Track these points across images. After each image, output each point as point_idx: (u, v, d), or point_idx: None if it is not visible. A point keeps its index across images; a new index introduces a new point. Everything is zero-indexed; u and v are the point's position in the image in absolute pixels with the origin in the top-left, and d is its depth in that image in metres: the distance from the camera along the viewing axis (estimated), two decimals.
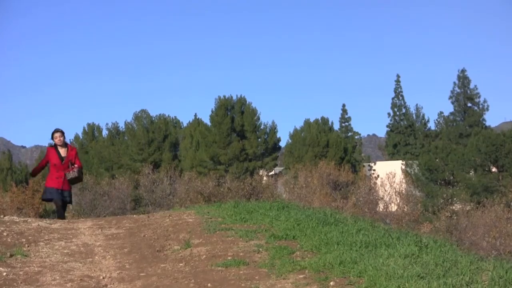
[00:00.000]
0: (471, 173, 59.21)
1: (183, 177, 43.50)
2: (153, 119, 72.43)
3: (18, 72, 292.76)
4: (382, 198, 41.06)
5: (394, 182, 43.04)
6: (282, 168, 69.63)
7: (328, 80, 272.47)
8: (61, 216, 15.08)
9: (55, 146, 15.16)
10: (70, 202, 15.63)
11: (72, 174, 15.13)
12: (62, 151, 15.11)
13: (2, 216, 11.96)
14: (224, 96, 69.14)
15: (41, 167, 15.48)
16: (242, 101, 68.42)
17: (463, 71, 78.42)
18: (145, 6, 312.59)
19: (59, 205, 15.04)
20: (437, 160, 60.29)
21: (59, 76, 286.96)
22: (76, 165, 15.24)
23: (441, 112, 79.58)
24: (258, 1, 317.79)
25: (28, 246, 8.53)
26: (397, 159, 75.27)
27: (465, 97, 77.17)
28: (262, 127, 70.17)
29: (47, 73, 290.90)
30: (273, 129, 71.27)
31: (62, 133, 15.18)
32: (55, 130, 15.26)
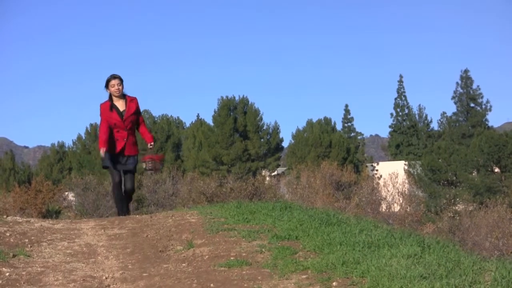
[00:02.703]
0: (474, 174, 59.26)
1: (186, 177, 43.53)
2: (155, 119, 72.61)
3: (21, 72, 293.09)
4: (384, 199, 41.04)
5: (397, 182, 43.02)
6: (284, 168, 69.70)
7: (331, 80, 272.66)
8: (119, 199, 12.34)
9: (110, 99, 12.05)
10: (134, 171, 12.38)
11: (150, 164, 12.66)
12: (120, 104, 12.05)
13: (5, 216, 11.97)
14: (227, 97, 69.25)
15: (107, 132, 11.96)
16: (244, 101, 68.51)
17: (466, 71, 78.50)
18: (148, 5, 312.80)
19: (116, 181, 12.14)
20: (440, 160, 60.34)
21: (62, 76, 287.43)
22: (156, 156, 12.84)
23: (444, 113, 79.76)
24: (261, 1, 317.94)
25: (30, 247, 8.54)
26: (400, 160, 75.35)
27: (468, 97, 77.21)
28: (264, 127, 70.27)
29: (49, 73, 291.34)
30: (276, 130, 71.35)
31: (121, 80, 12.02)
32: (111, 76, 12.05)
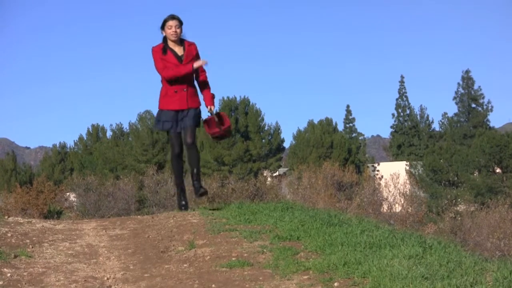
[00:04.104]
0: (475, 174, 59.37)
1: (187, 178, 43.51)
2: None
3: (22, 73, 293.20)
4: (386, 199, 41.07)
5: (398, 183, 43.07)
6: (286, 169, 69.77)
7: (332, 81, 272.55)
8: (180, 173, 10.89)
9: (164, 42, 10.26)
10: (197, 124, 10.37)
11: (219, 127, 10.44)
12: (177, 49, 10.21)
13: (6, 217, 11.96)
14: (228, 97, 69.34)
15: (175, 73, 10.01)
16: (246, 102, 68.59)
17: (467, 71, 78.71)
18: (148, 5, 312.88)
19: (175, 152, 10.53)
20: (441, 161, 60.44)
21: (64, 77, 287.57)
22: (222, 122, 10.48)
23: (445, 113, 79.94)
24: (263, 3, 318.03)
25: (32, 247, 8.54)
26: (401, 160, 75.44)
27: (469, 98, 77.34)
28: (266, 128, 70.35)
29: (51, 74, 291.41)
30: (277, 130, 71.43)
31: (180, 22, 10.22)
32: (169, 16, 10.26)
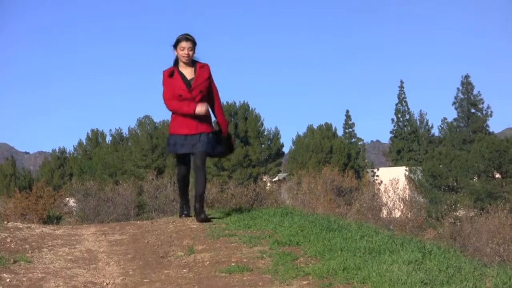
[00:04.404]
0: (474, 179, 59.37)
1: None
2: (156, 125, 72.66)
3: (21, 77, 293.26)
4: (385, 204, 41.09)
5: (398, 188, 43.09)
6: (285, 174, 69.80)
7: (332, 86, 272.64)
8: (184, 194, 10.37)
9: (175, 65, 9.79)
10: (209, 151, 9.98)
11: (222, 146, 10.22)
12: (188, 72, 9.71)
13: (5, 222, 11.96)
14: (228, 102, 69.35)
15: (174, 97, 9.67)
16: (245, 107, 68.63)
17: (466, 77, 78.79)
18: (147, 11, 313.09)
19: (181, 174, 10.17)
20: (440, 166, 60.46)
21: (63, 81, 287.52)
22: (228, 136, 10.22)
23: (445, 118, 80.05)
24: (261, 6, 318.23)
25: (31, 252, 8.54)
26: (401, 165, 75.46)
27: (469, 103, 77.42)
28: (265, 133, 70.40)
29: (50, 79, 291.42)
30: (277, 135, 71.48)
31: (194, 44, 9.71)
32: (183, 36, 9.73)
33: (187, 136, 9.72)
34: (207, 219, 9.85)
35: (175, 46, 9.73)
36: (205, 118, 9.75)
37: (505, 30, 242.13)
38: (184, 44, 9.63)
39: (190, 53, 9.64)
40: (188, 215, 10.39)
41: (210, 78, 9.82)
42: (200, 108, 9.58)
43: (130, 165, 68.25)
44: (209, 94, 9.87)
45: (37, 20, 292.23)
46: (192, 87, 9.61)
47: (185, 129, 9.71)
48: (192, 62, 9.74)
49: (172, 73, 9.67)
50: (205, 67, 9.77)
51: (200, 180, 9.95)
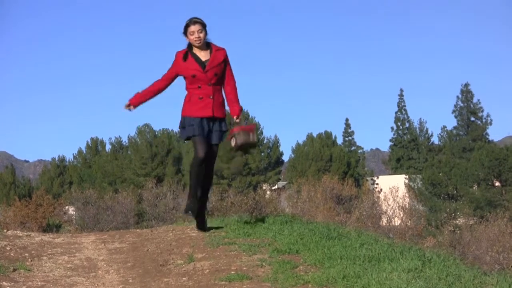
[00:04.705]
0: (474, 188, 59.34)
1: (187, 191, 43.50)
2: (156, 133, 72.65)
3: (20, 85, 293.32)
4: (385, 212, 41.11)
5: (397, 196, 43.10)
6: (285, 182, 69.75)
7: (331, 94, 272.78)
8: (199, 181, 9.28)
9: (189, 48, 9.27)
10: (221, 140, 9.37)
11: (241, 137, 9.34)
12: (202, 55, 9.21)
13: (5, 230, 11.95)
14: (227, 111, 69.26)
15: (157, 89, 9.38)
16: (245, 115, 68.51)
17: (466, 85, 78.82)
18: (147, 17, 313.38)
19: (200, 156, 9.06)
20: (440, 174, 60.42)
21: (62, 90, 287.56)
22: (247, 126, 9.50)
23: (445, 127, 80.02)
24: (261, 13, 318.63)
25: (31, 261, 8.53)
26: (401, 174, 75.39)
27: (469, 111, 77.42)
28: (265, 141, 70.40)
29: (49, 87, 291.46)
30: (276, 144, 71.49)
31: (203, 26, 9.21)
32: (191, 20, 9.22)
33: (203, 119, 9.15)
34: (206, 229, 9.62)
35: (185, 32, 9.23)
36: (221, 104, 9.35)
37: (505, 38, 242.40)
38: (192, 28, 9.14)
39: (201, 35, 9.14)
40: (193, 214, 9.56)
41: (225, 61, 9.27)
42: (125, 106, 9.35)
43: (129, 174, 68.26)
44: (223, 75, 9.33)
45: (36, 27, 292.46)
46: (206, 68, 9.09)
47: (200, 111, 9.15)
48: (207, 45, 9.25)
49: (186, 55, 9.19)
50: (221, 50, 9.28)
51: (209, 175, 9.47)
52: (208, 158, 9.17)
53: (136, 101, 9.33)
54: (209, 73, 9.10)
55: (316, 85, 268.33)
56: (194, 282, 7.34)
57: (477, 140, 74.99)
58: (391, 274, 6.53)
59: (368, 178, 76.70)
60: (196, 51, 9.19)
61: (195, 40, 9.12)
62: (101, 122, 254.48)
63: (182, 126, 9.25)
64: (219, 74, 9.20)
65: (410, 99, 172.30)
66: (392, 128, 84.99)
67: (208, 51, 9.20)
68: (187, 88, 9.27)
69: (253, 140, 9.47)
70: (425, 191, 60.24)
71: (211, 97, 9.14)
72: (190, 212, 9.42)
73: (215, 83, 9.19)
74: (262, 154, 69.52)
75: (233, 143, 9.33)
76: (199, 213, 9.51)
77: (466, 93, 78.15)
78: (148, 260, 8.60)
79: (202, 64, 9.11)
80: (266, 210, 34.05)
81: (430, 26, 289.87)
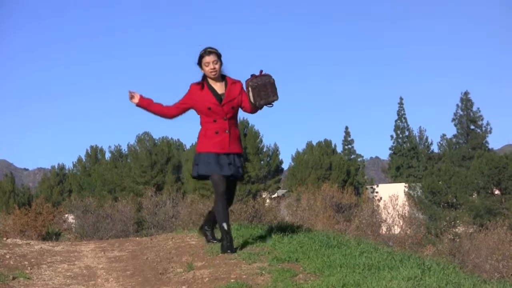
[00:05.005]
0: (474, 196, 59.31)
1: (186, 199, 43.54)
2: (156, 141, 72.61)
3: (20, 93, 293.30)
4: (385, 221, 41.09)
5: (397, 204, 43.09)
6: (285, 190, 69.69)
7: (331, 102, 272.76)
8: (226, 214, 8.81)
9: (204, 80, 8.86)
10: (241, 178, 8.93)
11: (258, 80, 8.55)
12: (218, 87, 8.81)
13: (5, 238, 11.95)
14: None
15: (167, 113, 8.96)
16: (244, 123, 68.49)
17: (466, 93, 78.83)
18: (146, 23, 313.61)
19: (220, 190, 8.63)
20: (440, 182, 60.38)
21: (62, 98, 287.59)
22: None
23: (444, 135, 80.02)
24: (259, 20, 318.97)
25: (30, 269, 8.53)
26: (400, 182, 75.35)
27: (468, 119, 77.44)
28: (264, 149, 70.33)
29: (49, 95, 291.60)
30: (276, 152, 71.39)
31: (218, 56, 8.80)
32: (205, 50, 8.81)
33: (219, 155, 8.69)
34: (232, 251, 8.78)
35: (199, 63, 8.85)
36: (237, 138, 8.87)
37: (505, 46, 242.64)
38: (207, 58, 8.74)
39: (216, 66, 8.73)
40: (232, 251, 8.79)
41: (241, 94, 8.81)
42: (132, 98, 8.98)
43: (129, 182, 68.22)
44: (238, 109, 8.93)
45: (35, 35, 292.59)
46: (223, 102, 8.69)
47: (216, 147, 8.69)
48: (222, 77, 8.88)
49: (202, 86, 8.79)
50: (237, 83, 8.87)
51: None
52: (228, 191, 8.78)
53: (143, 104, 8.94)
54: (225, 107, 8.71)
55: (316, 93, 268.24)
56: None
57: (476, 148, 74.96)
58: (390, 283, 6.53)
59: (368, 187, 76.64)
60: (211, 82, 8.81)
61: (211, 72, 8.74)
62: (100, 131, 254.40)
63: (196, 163, 8.79)
64: (235, 108, 8.84)
65: (410, 107, 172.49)
66: (391, 136, 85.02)
67: (223, 83, 8.83)
68: (201, 123, 8.87)
69: (271, 82, 8.69)
70: (425, 199, 60.21)
71: (227, 131, 8.70)
72: (229, 251, 8.70)
73: (231, 117, 8.81)
74: (262, 162, 69.47)
75: (250, 97, 8.62)
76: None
77: (466, 101, 78.17)
78: (147, 269, 8.59)
79: (218, 97, 8.71)
80: (265, 218, 34.05)
81: (430, 34, 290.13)
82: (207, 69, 8.71)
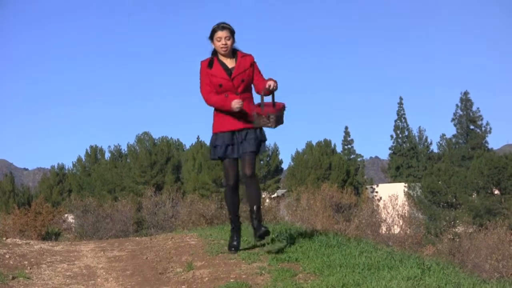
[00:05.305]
0: (473, 196, 59.26)
1: (186, 199, 43.53)
2: (155, 141, 72.61)
3: (20, 93, 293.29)
4: (384, 221, 41.07)
5: (397, 204, 43.06)
6: (284, 190, 69.65)
7: (331, 102, 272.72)
8: (235, 206, 8.75)
9: (214, 54, 8.56)
10: (257, 151, 8.42)
11: (263, 121, 8.19)
12: (228, 62, 8.48)
13: (4, 238, 11.95)
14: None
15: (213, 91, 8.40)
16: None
17: (465, 93, 78.80)
18: (146, 25, 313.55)
19: (231, 182, 8.54)
20: (439, 182, 60.34)
21: (62, 98, 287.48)
22: (272, 109, 8.26)
23: (444, 135, 79.99)
24: (261, 21, 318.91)
25: (30, 269, 8.52)
26: (400, 182, 75.31)
27: (468, 119, 77.40)
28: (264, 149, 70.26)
29: (49, 95, 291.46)
30: (275, 152, 71.38)
31: (231, 32, 8.49)
32: (219, 25, 8.49)
33: (234, 133, 8.38)
34: (267, 232, 8.45)
35: (211, 37, 8.50)
36: (254, 112, 8.31)
37: (505, 46, 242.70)
38: (220, 33, 8.40)
39: (228, 42, 8.41)
40: (237, 248, 8.75)
41: (252, 67, 8.50)
42: (235, 104, 8.23)
43: (129, 182, 68.22)
44: (252, 81, 8.54)
45: (36, 37, 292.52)
46: (232, 76, 8.34)
47: (229, 124, 8.37)
48: (233, 53, 8.52)
49: (211, 63, 8.48)
50: (248, 56, 8.54)
51: (253, 191, 8.53)
52: (243, 166, 8.41)
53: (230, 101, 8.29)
54: (235, 81, 8.37)
55: (315, 93, 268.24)
56: None
57: (476, 148, 74.95)
58: (390, 282, 6.52)
59: (368, 186, 76.62)
60: (222, 58, 8.49)
61: (221, 47, 8.42)
62: (100, 130, 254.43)
63: (213, 145, 8.48)
64: (246, 80, 8.45)
65: (410, 107, 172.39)
66: (391, 136, 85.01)
67: (234, 59, 8.50)
68: None
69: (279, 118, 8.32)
70: (425, 199, 60.18)
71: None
72: (232, 249, 8.69)
73: (243, 91, 8.44)
74: (262, 162, 69.46)
75: (254, 121, 8.26)
76: (262, 227, 8.39)
77: (466, 101, 78.14)
78: (147, 268, 8.59)
79: (228, 71, 8.40)
80: (265, 218, 34.00)
81: (429, 34, 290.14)
82: (218, 44, 8.42)
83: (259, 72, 8.55)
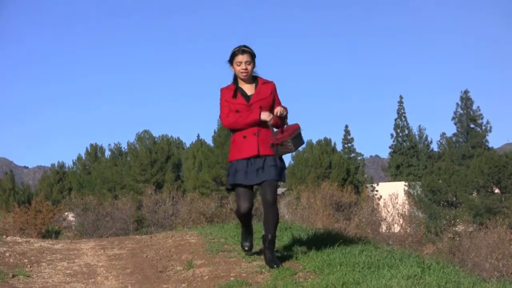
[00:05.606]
0: (474, 195, 59.22)
1: (186, 198, 43.51)
2: (155, 139, 72.57)
3: (21, 92, 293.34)
4: (385, 219, 41.03)
5: (397, 203, 43.00)
6: (284, 189, 69.58)
7: (331, 101, 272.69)
8: (247, 234, 8.50)
9: (235, 82, 8.24)
10: (277, 177, 7.92)
11: (281, 149, 7.88)
12: (247, 88, 8.17)
13: (4, 236, 11.95)
14: None
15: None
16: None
17: (466, 92, 78.77)
18: (145, 26, 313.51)
19: (242, 210, 8.07)
20: (440, 181, 60.30)
21: (62, 97, 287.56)
22: (284, 133, 7.93)
23: (444, 133, 79.95)
24: (260, 19, 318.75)
25: (30, 267, 8.53)
26: (400, 180, 75.28)
27: (468, 118, 77.35)
28: None
29: (50, 93, 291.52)
30: None
31: (252, 56, 8.14)
32: (239, 49, 8.13)
33: (249, 160, 7.97)
34: (279, 266, 7.76)
35: (231, 61, 8.16)
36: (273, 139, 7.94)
37: (505, 45, 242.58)
38: (240, 57, 8.05)
39: (249, 67, 8.06)
40: (250, 249, 8.58)
41: (273, 94, 8.17)
42: (265, 115, 7.94)
43: (129, 180, 68.20)
44: (271, 109, 8.15)
45: (36, 38, 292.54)
46: (250, 101, 8.02)
47: (244, 152, 7.98)
48: (253, 79, 8.21)
49: (235, 93, 8.10)
50: (269, 83, 8.21)
51: (272, 219, 8.03)
52: (264, 192, 7.96)
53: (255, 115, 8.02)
54: (253, 107, 8.01)
55: (316, 91, 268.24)
56: None
57: (476, 147, 74.93)
58: (390, 281, 6.52)
59: (368, 185, 76.61)
60: (241, 83, 8.19)
61: (242, 72, 8.07)
62: (100, 129, 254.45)
63: (228, 173, 8.12)
64: (264, 108, 8.07)
65: (410, 106, 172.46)
66: (391, 135, 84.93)
67: (254, 84, 8.17)
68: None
69: (292, 146, 7.98)
70: (425, 198, 60.15)
71: (256, 134, 7.97)
72: (246, 249, 8.49)
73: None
74: None
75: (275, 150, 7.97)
76: (274, 264, 7.84)
77: (466, 100, 78.10)
78: (147, 267, 8.59)
79: (247, 97, 8.07)
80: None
81: (430, 33, 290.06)
82: (238, 68, 8.08)
83: (279, 100, 8.25)
